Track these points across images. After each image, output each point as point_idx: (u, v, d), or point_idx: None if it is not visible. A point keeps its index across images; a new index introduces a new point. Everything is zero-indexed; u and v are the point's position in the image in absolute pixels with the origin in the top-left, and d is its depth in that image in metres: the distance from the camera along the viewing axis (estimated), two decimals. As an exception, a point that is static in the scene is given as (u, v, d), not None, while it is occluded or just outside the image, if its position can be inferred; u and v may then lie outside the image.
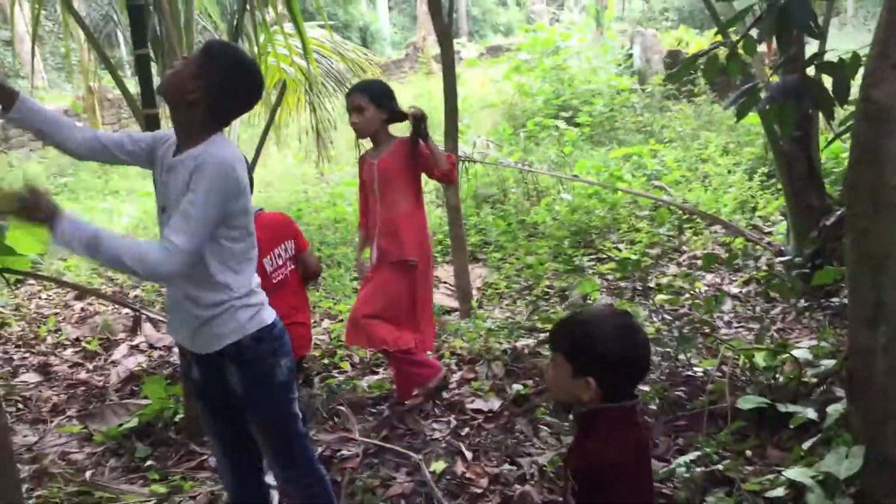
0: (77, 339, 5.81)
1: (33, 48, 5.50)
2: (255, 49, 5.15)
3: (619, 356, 1.92)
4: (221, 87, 2.38)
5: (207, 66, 2.38)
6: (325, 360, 4.89)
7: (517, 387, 4.26)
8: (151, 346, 5.50)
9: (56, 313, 6.46)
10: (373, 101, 3.90)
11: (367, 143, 4.16)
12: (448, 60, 5.51)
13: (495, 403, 4.16)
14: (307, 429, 2.77)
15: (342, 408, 4.16)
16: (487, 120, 12.63)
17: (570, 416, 3.50)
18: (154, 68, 3.96)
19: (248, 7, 4.89)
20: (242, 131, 7.48)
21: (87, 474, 3.70)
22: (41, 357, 5.53)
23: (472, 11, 36.41)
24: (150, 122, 3.57)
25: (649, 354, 2.04)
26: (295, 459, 2.70)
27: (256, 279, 2.59)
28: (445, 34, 5.48)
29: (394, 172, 3.97)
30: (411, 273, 4.04)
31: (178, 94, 2.42)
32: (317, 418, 4.12)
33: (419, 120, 3.86)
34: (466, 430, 3.95)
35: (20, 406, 4.74)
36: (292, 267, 4.34)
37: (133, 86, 4.45)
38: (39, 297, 6.97)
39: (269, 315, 2.57)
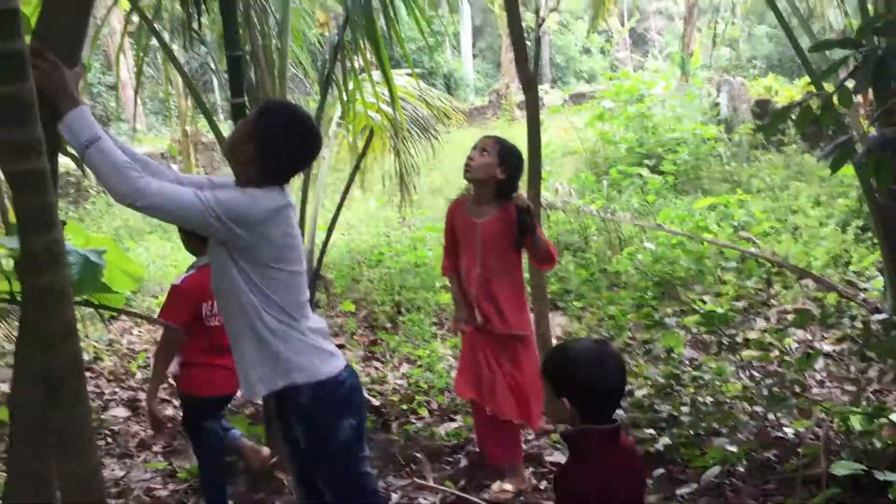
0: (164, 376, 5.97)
1: (136, 93, 5.81)
2: (345, 96, 5.28)
3: (589, 379, 2.09)
4: (273, 147, 2.46)
5: (259, 127, 2.47)
6: (404, 406, 4.89)
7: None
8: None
9: (146, 349, 6.66)
10: (500, 154, 3.75)
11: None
12: (533, 108, 5.53)
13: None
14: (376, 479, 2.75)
15: (419, 455, 4.14)
16: (569, 167, 12.60)
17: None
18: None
19: (338, 56, 5.03)
20: (328, 176, 7.64)
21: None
22: (130, 392, 5.71)
23: (555, 59, 36.62)
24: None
25: (622, 380, 2.16)
26: None
27: (318, 323, 2.60)
28: (530, 82, 5.51)
29: (498, 240, 3.80)
30: (518, 344, 3.89)
31: (235, 153, 2.52)
32: (393, 464, 4.12)
33: (523, 211, 3.70)
34: (544, 483, 3.88)
35: (109, 440, 4.88)
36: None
37: (226, 130, 4.62)
38: (131, 333, 7.21)
39: (331, 367, 2.53)
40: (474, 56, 35.09)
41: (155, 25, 4.83)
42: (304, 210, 5.42)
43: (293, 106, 2.68)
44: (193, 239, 3.51)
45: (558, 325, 6.63)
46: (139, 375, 6.04)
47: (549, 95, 22.21)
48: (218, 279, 2.52)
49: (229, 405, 3.99)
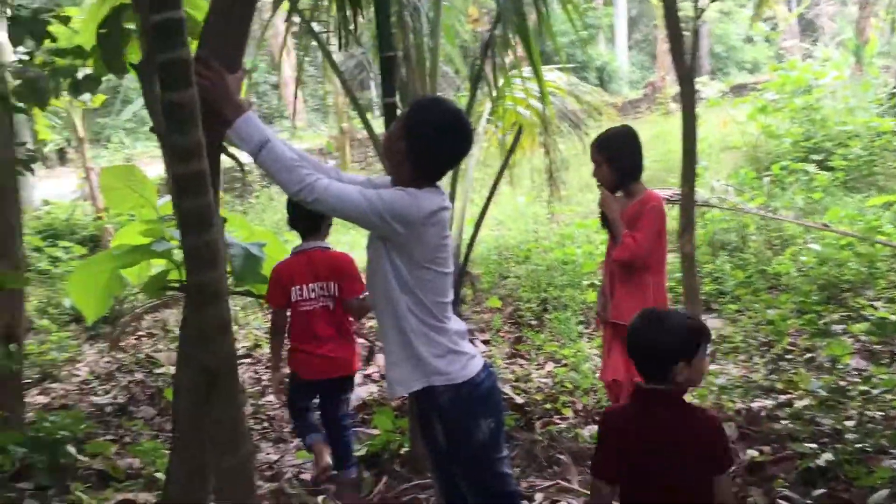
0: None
1: (296, 92, 6.04)
2: (494, 93, 5.28)
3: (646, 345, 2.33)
4: (425, 144, 2.48)
5: (412, 125, 2.50)
6: (548, 406, 4.84)
7: (752, 453, 3.97)
8: (383, 377, 5.74)
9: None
10: (607, 159, 3.77)
11: None
12: (688, 102, 5.32)
13: (726, 468, 3.89)
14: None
15: (562, 457, 4.09)
16: (728, 162, 12.06)
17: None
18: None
19: (488, 52, 5.03)
20: (477, 171, 7.68)
21: (319, 499, 3.90)
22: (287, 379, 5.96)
23: (714, 49, 35.15)
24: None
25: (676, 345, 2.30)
26: None
27: (458, 325, 2.60)
28: (687, 76, 5.30)
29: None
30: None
31: (388, 153, 2.56)
32: (536, 465, 4.08)
33: (602, 207, 3.82)
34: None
35: (265, 425, 5.12)
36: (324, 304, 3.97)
37: (379, 127, 4.72)
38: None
39: (469, 370, 2.53)
40: (629, 48, 34.25)
41: (314, 26, 5.02)
42: (453, 206, 5.46)
43: (444, 102, 2.69)
44: (301, 224, 3.71)
45: (712, 328, 6.36)
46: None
47: (708, 87, 21.35)
48: (372, 275, 2.58)
49: (348, 394, 4.08)
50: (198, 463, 2.25)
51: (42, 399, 5.80)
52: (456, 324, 2.58)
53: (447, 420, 2.51)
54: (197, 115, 1.81)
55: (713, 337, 6.14)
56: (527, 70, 6.00)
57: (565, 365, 5.60)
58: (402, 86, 4.52)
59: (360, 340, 6.25)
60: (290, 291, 3.83)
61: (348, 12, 3.97)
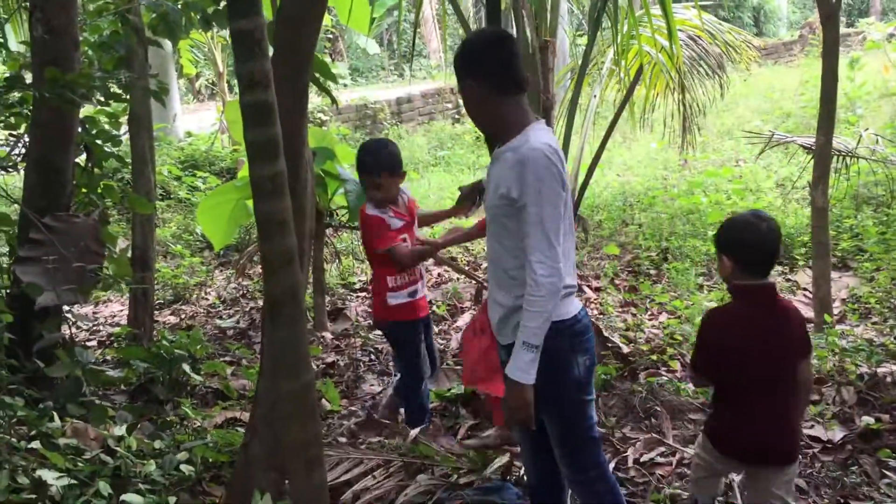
0: (430, 303, 6.28)
1: (419, 31, 6.00)
2: (618, 31, 5.06)
3: (743, 236, 2.59)
4: (481, 67, 2.44)
5: (459, 68, 2.50)
6: (654, 357, 4.71)
7: (868, 419, 3.73)
8: (490, 318, 5.75)
9: (417, 275, 7.03)
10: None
11: None
12: (830, 45, 4.92)
13: (838, 434, 3.69)
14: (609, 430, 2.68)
15: (660, 409, 3.98)
16: (886, 111, 11.15)
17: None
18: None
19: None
20: (600, 105, 7.41)
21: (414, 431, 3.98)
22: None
23: (888, -14, 32.35)
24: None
25: (774, 239, 2.59)
26: (584, 465, 2.62)
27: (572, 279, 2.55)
28: (830, 16, 4.89)
29: None
30: None
31: (468, 106, 2.55)
32: (633, 416, 4.00)
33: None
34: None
35: (372, 357, 5.26)
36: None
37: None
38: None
39: (572, 308, 2.52)
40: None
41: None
42: (568, 150, 5.33)
43: (478, 32, 2.76)
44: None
45: (845, 286, 5.98)
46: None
47: (874, 29, 19.71)
48: (490, 220, 2.58)
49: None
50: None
51: (172, 319, 6.18)
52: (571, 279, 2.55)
53: (546, 354, 2.44)
54: (265, 44, 1.82)
55: (846, 296, 5.78)
56: (656, 9, 5.74)
57: (679, 317, 5.41)
58: (519, 21, 4.41)
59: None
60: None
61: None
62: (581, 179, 5.88)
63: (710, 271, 6.38)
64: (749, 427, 2.60)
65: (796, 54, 19.38)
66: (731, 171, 8.84)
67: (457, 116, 14.88)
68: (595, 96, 6.20)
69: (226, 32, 9.82)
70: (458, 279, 6.75)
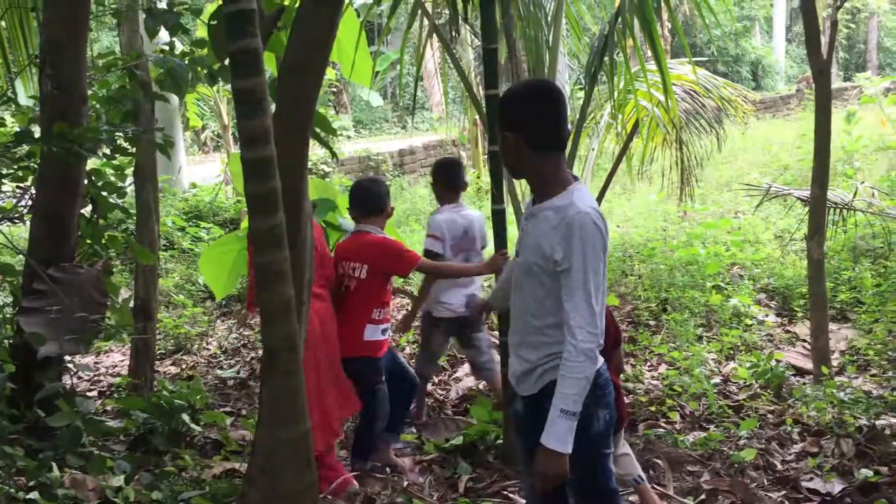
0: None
1: (416, 85, 6.12)
2: (615, 86, 5.17)
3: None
4: (523, 119, 2.40)
5: (503, 116, 2.46)
6: (653, 408, 4.71)
7: (867, 472, 3.72)
8: (490, 369, 5.75)
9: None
10: None
11: None
12: (823, 99, 5.04)
13: (836, 487, 3.68)
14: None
15: (659, 461, 3.97)
16: (882, 164, 11.28)
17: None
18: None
19: (607, 44, 4.92)
20: (599, 157, 7.52)
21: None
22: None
23: (884, 42, 32.88)
24: (493, 158, 3.75)
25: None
26: None
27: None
28: (822, 71, 5.01)
29: None
30: None
31: (507, 158, 2.51)
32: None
33: None
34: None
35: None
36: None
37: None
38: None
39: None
40: (788, 41, 32.56)
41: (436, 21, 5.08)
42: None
43: (525, 80, 2.69)
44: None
45: (844, 338, 6.00)
46: (407, 350, 6.41)
47: (871, 84, 19.99)
48: (524, 274, 2.52)
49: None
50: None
51: (173, 369, 6.19)
52: None
53: None
54: (266, 102, 1.89)
55: (844, 348, 5.78)
56: (654, 64, 5.87)
57: (678, 368, 5.42)
58: (514, 77, 4.52)
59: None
60: None
61: (459, 5, 3.99)
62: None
63: (710, 322, 6.41)
64: None
65: (794, 108, 19.65)
66: (729, 223, 8.91)
67: (458, 168, 15.00)
68: (593, 149, 6.30)
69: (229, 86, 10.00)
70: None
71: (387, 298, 4.12)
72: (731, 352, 5.78)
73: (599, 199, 5.50)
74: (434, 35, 4.76)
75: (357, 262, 4.00)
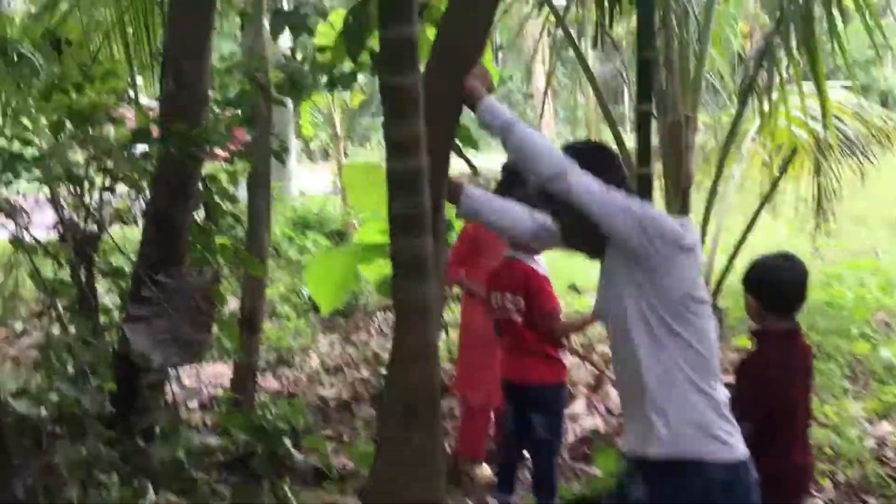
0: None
1: (544, 100, 5.79)
2: (766, 108, 4.69)
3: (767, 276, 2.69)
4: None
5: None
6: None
7: None
8: (608, 411, 5.29)
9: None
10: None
11: None
12: None
13: None
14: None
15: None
16: None
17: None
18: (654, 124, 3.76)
19: (763, 63, 4.48)
20: (736, 196, 6.98)
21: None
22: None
23: None
24: (642, 183, 3.32)
25: (801, 280, 2.70)
26: None
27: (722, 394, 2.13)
28: None
29: None
30: None
31: (569, 236, 2.23)
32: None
33: None
34: None
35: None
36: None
37: (630, 141, 4.32)
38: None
39: (727, 450, 2.05)
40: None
41: (571, 32, 4.71)
42: (705, 231, 4.95)
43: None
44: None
45: None
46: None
47: None
48: (612, 305, 2.16)
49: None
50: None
51: (274, 384, 5.98)
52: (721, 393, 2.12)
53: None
54: (419, 105, 1.56)
55: None
56: (806, 85, 5.35)
57: (826, 425, 4.83)
58: (659, 94, 4.10)
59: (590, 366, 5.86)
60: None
61: (606, 7, 3.60)
62: (713, 264, 5.47)
63: (856, 374, 5.77)
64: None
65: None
66: (875, 264, 8.17)
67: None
68: (734, 176, 5.79)
69: (347, 95, 9.89)
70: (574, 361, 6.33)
71: None
72: (888, 411, 5.13)
73: (744, 236, 5.06)
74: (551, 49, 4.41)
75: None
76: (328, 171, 13.31)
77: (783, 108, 4.74)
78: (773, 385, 2.62)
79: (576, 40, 4.64)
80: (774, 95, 4.75)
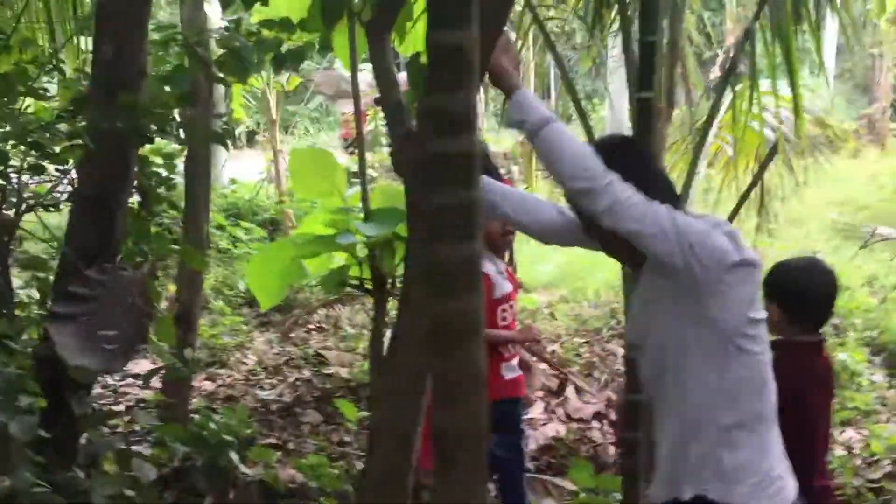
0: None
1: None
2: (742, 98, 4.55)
3: (797, 284, 2.43)
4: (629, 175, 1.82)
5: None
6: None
7: None
8: (569, 417, 5.04)
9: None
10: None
11: None
12: None
13: None
14: None
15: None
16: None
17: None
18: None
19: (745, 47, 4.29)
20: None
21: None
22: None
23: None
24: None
25: (830, 290, 2.46)
26: None
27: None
28: None
29: None
30: None
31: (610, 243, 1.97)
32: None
33: None
34: None
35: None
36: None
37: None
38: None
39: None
40: (834, 77, 31.66)
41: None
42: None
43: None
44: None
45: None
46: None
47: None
48: (652, 333, 1.93)
49: None
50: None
51: (209, 386, 5.55)
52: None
53: None
54: (476, 70, 1.22)
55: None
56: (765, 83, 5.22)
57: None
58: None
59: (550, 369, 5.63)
60: None
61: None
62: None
63: None
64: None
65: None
66: (815, 266, 8.20)
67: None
68: (698, 172, 5.63)
69: (283, 78, 9.40)
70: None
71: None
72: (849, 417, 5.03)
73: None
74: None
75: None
76: (257, 158, 12.76)
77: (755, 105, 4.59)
78: (790, 402, 2.35)
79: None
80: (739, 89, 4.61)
